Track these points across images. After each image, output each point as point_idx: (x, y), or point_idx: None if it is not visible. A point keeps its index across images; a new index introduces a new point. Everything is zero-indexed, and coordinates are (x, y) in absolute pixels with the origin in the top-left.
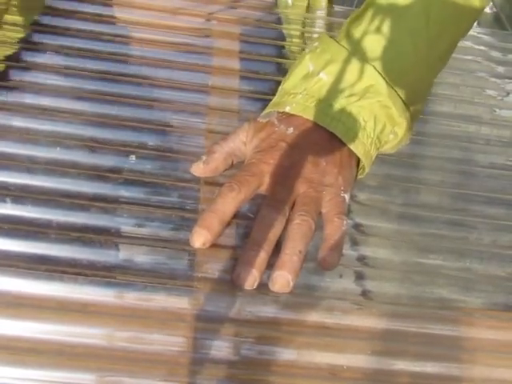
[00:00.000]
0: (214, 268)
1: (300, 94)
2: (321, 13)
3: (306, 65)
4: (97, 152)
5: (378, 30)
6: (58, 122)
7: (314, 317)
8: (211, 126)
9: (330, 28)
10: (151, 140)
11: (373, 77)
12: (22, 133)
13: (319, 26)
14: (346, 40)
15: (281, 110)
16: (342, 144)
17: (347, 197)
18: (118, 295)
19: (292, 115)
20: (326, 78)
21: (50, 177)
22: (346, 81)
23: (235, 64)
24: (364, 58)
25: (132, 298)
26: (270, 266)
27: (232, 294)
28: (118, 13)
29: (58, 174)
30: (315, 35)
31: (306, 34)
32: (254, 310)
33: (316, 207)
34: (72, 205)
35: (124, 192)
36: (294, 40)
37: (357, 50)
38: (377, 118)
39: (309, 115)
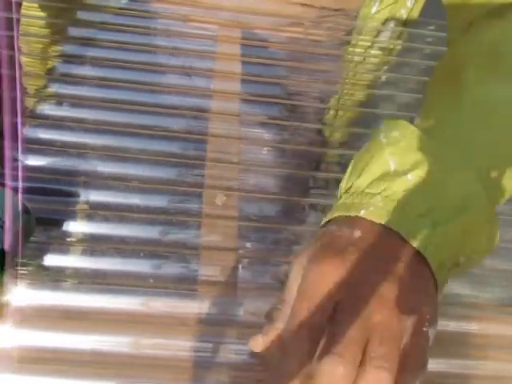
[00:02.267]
0: (218, 271)
1: (379, 194)
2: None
3: (385, 161)
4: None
5: (477, 126)
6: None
7: None
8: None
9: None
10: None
11: (472, 186)
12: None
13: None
14: (438, 133)
15: (353, 215)
16: (422, 259)
17: (432, 334)
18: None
19: (355, 217)
20: (413, 180)
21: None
22: (439, 188)
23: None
24: (463, 162)
25: (144, 304)
26: None
27: (237, 297)
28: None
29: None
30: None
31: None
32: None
33: (398, 346)
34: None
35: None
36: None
37: (452, 150)
38: (471, 236)
39: (389, 222)
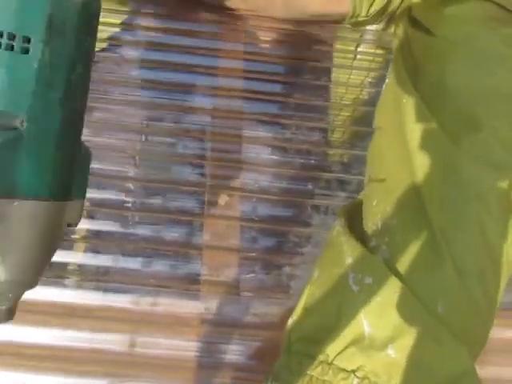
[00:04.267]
0: (221, 271)
1: (354, 374)
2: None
3: (358, 321)
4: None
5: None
6: None
7: None
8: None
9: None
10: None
11: (466, 361)
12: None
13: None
14: (417, 284)
15: None
16: None
17: None
18: (133, 301)
19: None
20: (395, 356)
21: None
22: (426, 367)
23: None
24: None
25: (147, 303)
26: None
27: (240, 298)
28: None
29: None
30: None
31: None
32: (266, 312)
33: None
34: None
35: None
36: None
37: (438, 305)
38: None
39: None
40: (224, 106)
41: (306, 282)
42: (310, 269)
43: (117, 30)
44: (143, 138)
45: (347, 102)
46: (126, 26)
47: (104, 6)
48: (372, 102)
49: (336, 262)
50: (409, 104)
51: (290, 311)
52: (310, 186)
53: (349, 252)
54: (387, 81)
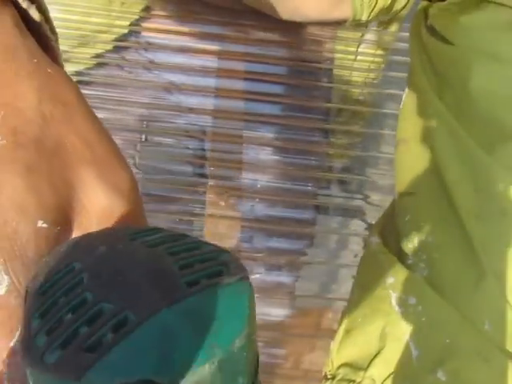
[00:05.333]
0: None
1: None
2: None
3: (404, 345)
4: None
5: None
6: None
7: (324, 320)
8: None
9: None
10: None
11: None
12: None
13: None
14: (460, 301)
15: None
16: None
17: None
18: None
19: None
20: (445, 379)
21: None
22: None
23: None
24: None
25: None
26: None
27: None
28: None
29: None
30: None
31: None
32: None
33: None
34: None
35: None
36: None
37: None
38: None
39: None
40: (225, 107)
41: (307, 282)
42: (311, 269)
43: (124, 31)
44: (143, 138)
45: (348, 103)
46: (132, 28)
47: (109, 6)
48: (372, 102)
49: (376, 282)
50: (434, 114)
51: (295, 311)
52: (310, 187)
53: (389, 272)
54: (406, 90)
